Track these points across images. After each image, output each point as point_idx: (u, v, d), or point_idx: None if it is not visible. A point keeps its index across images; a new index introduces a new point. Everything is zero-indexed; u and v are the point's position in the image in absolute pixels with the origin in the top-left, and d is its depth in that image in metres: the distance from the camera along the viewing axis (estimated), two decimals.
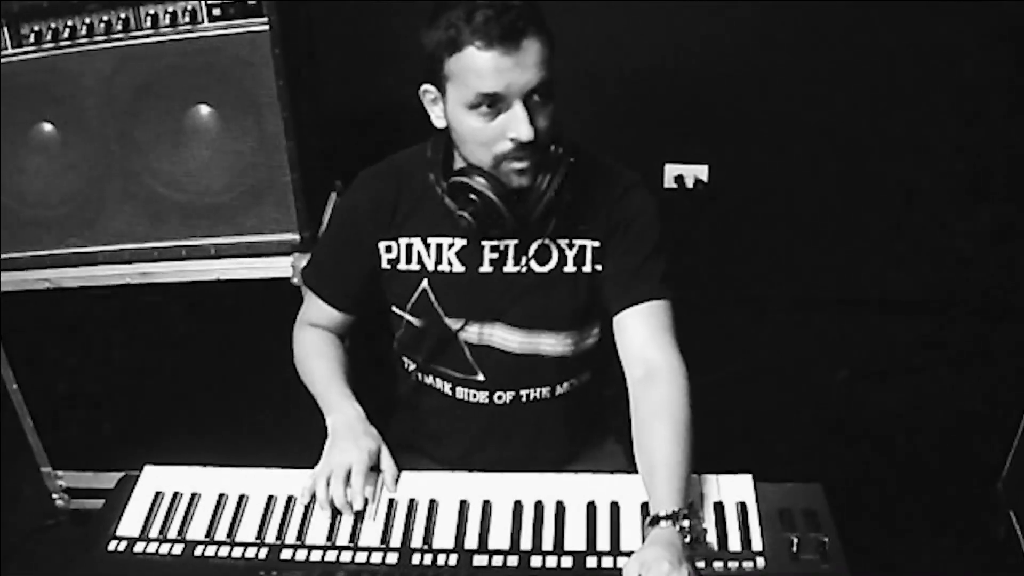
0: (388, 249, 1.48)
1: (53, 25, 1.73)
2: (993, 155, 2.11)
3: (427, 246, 1.46)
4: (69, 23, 1.73)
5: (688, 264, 1.76)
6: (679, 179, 2.16)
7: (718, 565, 1.21)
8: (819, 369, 2.36)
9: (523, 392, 1.52)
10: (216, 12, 1.70)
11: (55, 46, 1.75)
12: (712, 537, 1.25)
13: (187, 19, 1.71)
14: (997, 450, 2.19)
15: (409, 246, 1.47)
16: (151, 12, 1.71)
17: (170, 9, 1.70)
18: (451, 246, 1.45)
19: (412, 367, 1.58)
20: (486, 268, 1.45)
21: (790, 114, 2.11)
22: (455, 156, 1.41)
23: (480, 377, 1.51)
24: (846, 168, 2.16)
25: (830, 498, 1.29)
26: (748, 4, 1.99)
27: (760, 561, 1.21)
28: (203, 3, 1.70)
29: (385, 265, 1.49)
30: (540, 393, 1.52)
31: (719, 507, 1.29)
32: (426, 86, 1.34)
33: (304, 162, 1.82)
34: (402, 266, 1.48)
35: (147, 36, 1.73)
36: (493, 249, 1.45)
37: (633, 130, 2.02)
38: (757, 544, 1.23)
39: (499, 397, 1.52)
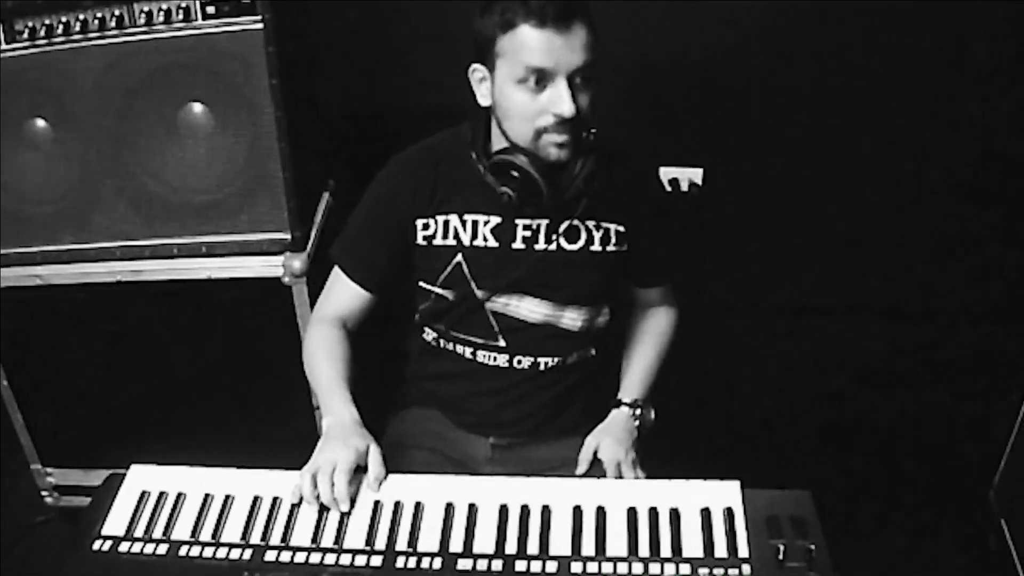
0: (425, 227, 1.56)
1: (47, 21, 1.72)
2: (994, 161, 2.10)
3: (463, 222, 1.55)
4: (63, 19, 1.72)
5: (682, 268, 1.77)
6: (674, 182, 2.15)
7: (704, 571, 1.20)
8: (812, 376, 2.35)
9: (541, 360, 1.62)
10: (210, 10, 1.70)
11: (49, 42, 1.74)
12: (698, 543, 1.25)
13: (181, 16, 1.71)
14: (989, 458, 2.19)
15: (446, 223, 1.55)
16: (145, 9, 1.70)
17: (164, 6, 1.70)
18: (487, 223, 1.55)
19: (433, 336, 1.66)
20: (519, 245, 1.55)
21: (787, 117, 2.10)
22: (492, 137, 1.52)
23: (501, 343, 1.61)
24: (843, 173, 2.15)
25: (820, 505, 1.29)
26: (745, 5, 1.98)
27: (746, 568, 1.21)
28: (197, 1, 1.70)
29: (421, 241, 1.57)
30: (555, 361, 1.63)
31: (706, 513, 1.29)
32: (475, 65, 1.46)
33: (297, 161, 1.82)
34: (438, 241, 1.56)
35: (141, 33, 1.72)
36: (526, 228, 1.55)
37: (627, 132, 2.01)
38: (743, 551, 1.23)
39: (519, 362, 1.62)
